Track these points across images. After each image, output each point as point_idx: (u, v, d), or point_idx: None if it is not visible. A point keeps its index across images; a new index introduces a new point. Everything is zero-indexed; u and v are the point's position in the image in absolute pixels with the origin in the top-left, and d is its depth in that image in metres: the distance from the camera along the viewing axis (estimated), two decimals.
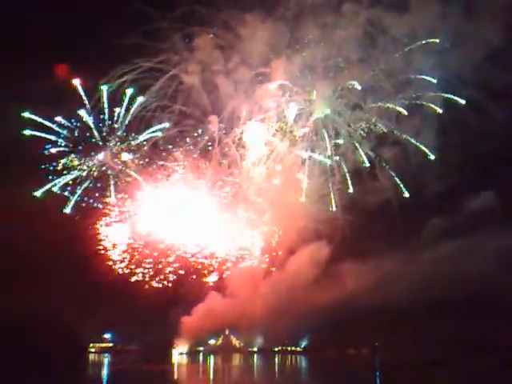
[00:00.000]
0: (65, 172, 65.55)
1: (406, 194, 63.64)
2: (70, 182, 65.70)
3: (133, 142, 66.52)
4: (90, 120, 65.47)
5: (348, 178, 64.48)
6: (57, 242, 61.89)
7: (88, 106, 64.70)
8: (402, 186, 63.72)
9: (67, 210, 65.35)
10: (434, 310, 61.58)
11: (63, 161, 65.53)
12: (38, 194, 63.97)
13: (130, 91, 64.32)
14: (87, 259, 64.56)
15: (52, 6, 61.22)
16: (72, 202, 65.50)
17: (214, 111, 63.81)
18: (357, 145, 63.59)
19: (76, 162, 66.00)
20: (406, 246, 64.05)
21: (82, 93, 64.28)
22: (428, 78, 58.92)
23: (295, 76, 61.83)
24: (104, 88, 64.00)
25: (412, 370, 58.44)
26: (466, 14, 54.02)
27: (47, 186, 64.54)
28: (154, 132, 66.10)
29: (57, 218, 63.63)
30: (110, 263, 67.15)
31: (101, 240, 67.14)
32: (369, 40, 58.32)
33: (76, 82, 63.92)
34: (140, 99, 64.77)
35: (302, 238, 66.40)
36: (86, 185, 66.05)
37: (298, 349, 75.27)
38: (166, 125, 65.63)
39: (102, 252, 67.09)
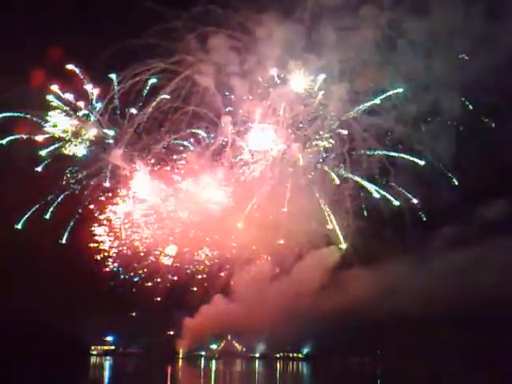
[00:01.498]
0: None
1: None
2: None
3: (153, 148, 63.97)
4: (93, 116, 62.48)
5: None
6: (58, 246, 61.17)
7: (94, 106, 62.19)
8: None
9: (63, 240, 63.15)
10: (441, 321, 58.79)
11: None
12: (19, 226, 61.80)
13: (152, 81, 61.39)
14: (88, 261, 63.47)
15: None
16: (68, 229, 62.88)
17: (227, 113, 62.09)
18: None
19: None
20: (414, 255, 61.34)
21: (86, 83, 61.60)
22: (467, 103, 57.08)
23: (311, 79, 60.06)
24: (113, 77, 61.06)
25: (412, 381, 55.84)
26: (488, 17, 51.91)
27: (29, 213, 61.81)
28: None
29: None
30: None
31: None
32: (388, 43, 56.54)
33: (71, 66, 61.22)
34: (163, 96, 61.66)
35: (311, 243, 64.42)
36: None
37: (300, 355, 72.81)
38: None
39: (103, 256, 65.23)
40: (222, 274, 67.29)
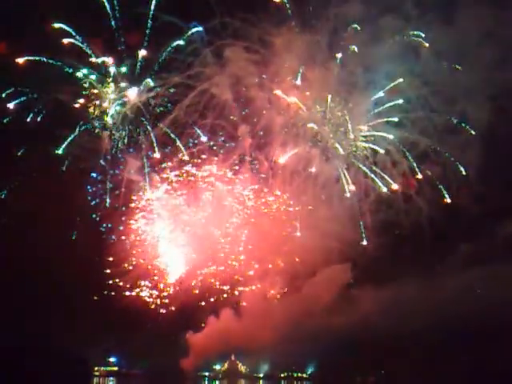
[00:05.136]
0: None
1: None
2: None
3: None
4: None
5: None
6: (60, 263, 54.15)
7: None
8: None
9: None
10: (452, 341, 53.80)
11: None
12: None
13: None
14: (92, 280, 58.31)
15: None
16: None
17: (246, 126, 57.17)
18: None
19: None
20: (431, 272, 57.14)
21: None
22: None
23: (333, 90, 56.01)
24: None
25: None
26: None
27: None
28: None
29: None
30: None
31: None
32: (413, 54, 53.09)
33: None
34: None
35: (325, 260, 58.59)
36: None
37: (305, 375, 66.11)
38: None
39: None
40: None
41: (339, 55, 54.30)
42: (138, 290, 59.76)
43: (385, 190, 57.17)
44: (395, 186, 56.85)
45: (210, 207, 59.97)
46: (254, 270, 61.71)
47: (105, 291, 58.99)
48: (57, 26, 53.26)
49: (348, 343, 54.34)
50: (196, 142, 58.02)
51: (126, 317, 58.26)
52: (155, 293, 60.30)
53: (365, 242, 58.82)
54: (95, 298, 58.89)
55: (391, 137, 55.54)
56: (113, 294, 59.19)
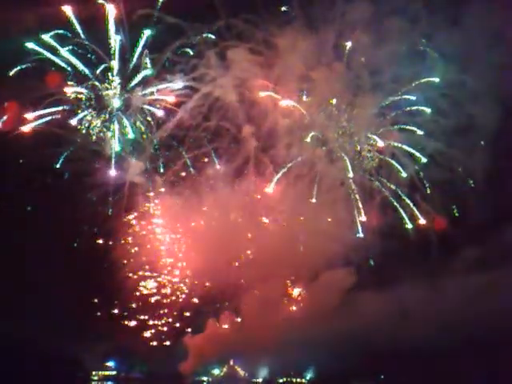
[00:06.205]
0: None
1: None
2: None
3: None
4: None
5: None
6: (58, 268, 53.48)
7: None
8: None
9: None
10: (455, 348, 51.61)
11: None
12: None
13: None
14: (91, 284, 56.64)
15: None
16: None
17: (250, 128, 55.75)
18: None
19: None
20: (434, 277, 55.40)
21: None
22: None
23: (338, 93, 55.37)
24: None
25: None
26: None
27: None
28: None
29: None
30: None
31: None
32: (419, 56, 52.97)
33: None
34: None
35: (327, 263, 57.35)
36: None
37: (304, 381, 64.34)
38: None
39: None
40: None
41: (345, 58, 53.79)
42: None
43: (410, 226, 56.99)
44: (422, 221, 56.41)
45: (213, 212, 58.81)
46: (256, 276, 59.67)
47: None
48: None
49: (348, 348, 52.92)
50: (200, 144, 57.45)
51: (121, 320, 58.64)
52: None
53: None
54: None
55: (424, 160, 54.68)
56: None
